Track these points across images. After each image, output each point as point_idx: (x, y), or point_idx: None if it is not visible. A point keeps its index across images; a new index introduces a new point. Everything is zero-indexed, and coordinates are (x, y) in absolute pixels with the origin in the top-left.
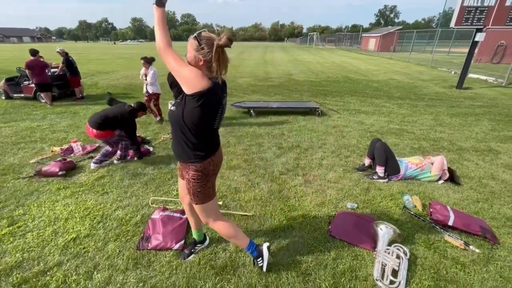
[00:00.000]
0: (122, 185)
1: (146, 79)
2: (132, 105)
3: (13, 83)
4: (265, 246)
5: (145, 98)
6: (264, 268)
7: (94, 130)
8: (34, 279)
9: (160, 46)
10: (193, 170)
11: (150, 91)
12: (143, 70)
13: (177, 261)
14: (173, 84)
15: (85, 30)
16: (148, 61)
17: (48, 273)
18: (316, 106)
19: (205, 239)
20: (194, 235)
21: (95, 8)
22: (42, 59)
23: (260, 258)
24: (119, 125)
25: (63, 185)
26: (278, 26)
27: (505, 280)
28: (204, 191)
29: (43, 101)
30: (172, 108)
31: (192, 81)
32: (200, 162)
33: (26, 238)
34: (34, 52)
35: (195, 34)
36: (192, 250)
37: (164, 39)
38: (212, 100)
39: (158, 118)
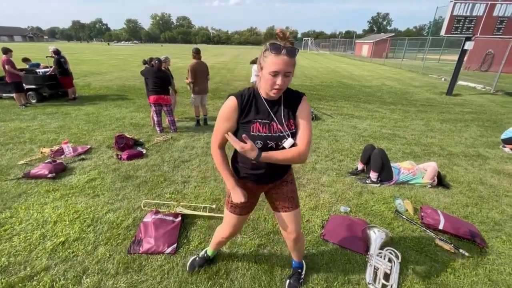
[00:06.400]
0: (113, 188)
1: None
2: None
3: (2, 82)
4: None
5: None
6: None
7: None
8: (20, 284)
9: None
10: (290, 172)
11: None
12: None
13: (169, 265)
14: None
15: (79, 30)
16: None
17: (35, 277)
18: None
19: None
20: (209, 252)
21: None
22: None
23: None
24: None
25: (53, 187)
26: (273, 30)
27: (493, 283)
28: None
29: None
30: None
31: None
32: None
33: (13, 242)
34: (5, 50)
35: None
36: (204, 267)
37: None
38: None
39: None
